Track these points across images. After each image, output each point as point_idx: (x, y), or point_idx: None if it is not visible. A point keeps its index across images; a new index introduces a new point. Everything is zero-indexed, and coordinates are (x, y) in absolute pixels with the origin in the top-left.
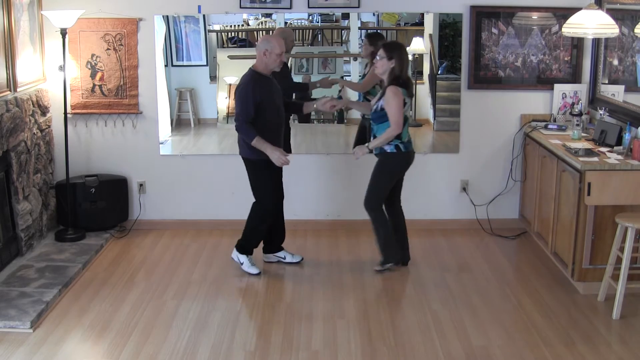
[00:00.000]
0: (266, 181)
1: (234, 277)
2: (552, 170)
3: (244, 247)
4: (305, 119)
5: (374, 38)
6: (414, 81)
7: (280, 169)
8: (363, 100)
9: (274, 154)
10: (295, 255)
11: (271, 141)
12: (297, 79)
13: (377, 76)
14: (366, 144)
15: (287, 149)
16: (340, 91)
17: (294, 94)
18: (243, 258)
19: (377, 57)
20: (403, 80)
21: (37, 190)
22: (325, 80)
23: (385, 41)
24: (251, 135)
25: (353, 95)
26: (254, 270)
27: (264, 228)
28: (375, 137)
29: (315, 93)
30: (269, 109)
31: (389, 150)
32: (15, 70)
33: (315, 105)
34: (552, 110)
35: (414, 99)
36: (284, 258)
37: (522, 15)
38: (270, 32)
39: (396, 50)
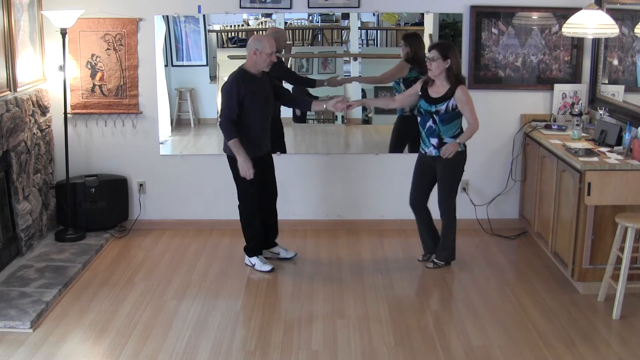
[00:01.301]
0: (247, 182)
1: (234, 277)
2: (552, 170)
3: (251, 249)
4: (301, 118)
5: (410, 39)
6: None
7: (267, 170)
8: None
9: (244, 164)
10: (289, 250)
11: (254, 141)
12: None
13: (400, 72)
14: (457, 140)
15: (282, 149)
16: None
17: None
18: (254, 260)
19: (430, 59)
20: (462, 78)
21: (37, 190)
22: (333, 79)
23: (434, 42)
24: (230, 135)
25: (354, 92)
26: (267, 268)
27: (256, 228)
28: (439, 137)
29: (317, 92)
30: (252, 108)
31: (459, 149)
32: (15, 70)
33: (325, 106)
34: (552, 110)
35: None
36: (278, 254)
37: (522, 15)
38: None
39: (450, 49)
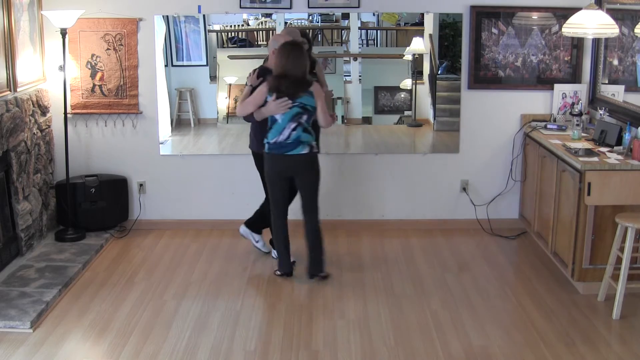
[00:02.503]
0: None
1: (234, 277)
2: (552, 170)
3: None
4: None
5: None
6: (413, 81)
7: None
8: None
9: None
10: (266, 245)
11: None
12: None
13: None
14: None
15: None
16: None
17: None
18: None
19: None
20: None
21: (37, 190)
22: None
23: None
24: None
25: (354, 92)
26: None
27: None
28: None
29: None
30: None
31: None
32: (15, 70)
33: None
34: (552, 110)
35: (414, 99)
36: (257, 242)
37: (522, 15)
38: (271, 32)
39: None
